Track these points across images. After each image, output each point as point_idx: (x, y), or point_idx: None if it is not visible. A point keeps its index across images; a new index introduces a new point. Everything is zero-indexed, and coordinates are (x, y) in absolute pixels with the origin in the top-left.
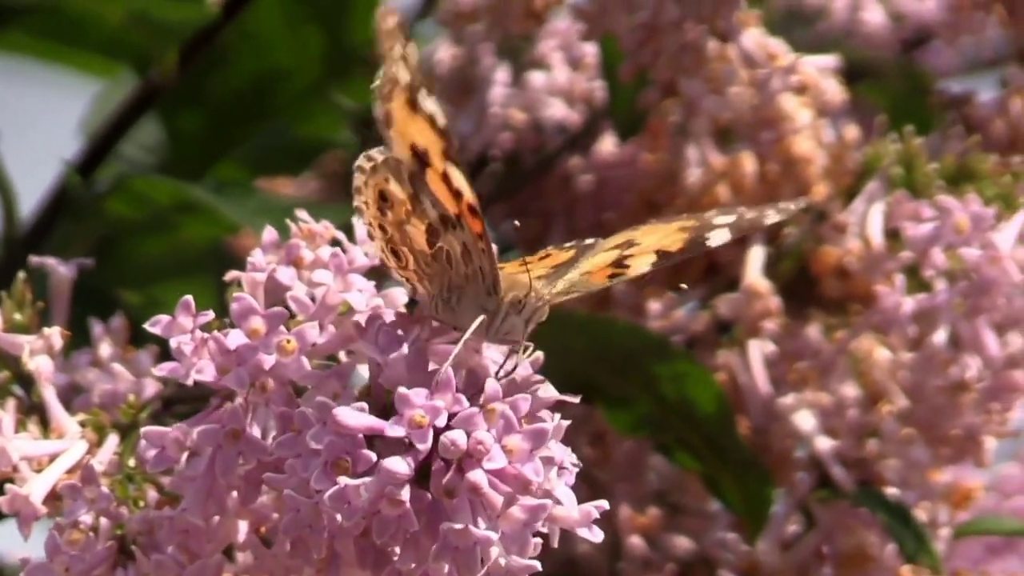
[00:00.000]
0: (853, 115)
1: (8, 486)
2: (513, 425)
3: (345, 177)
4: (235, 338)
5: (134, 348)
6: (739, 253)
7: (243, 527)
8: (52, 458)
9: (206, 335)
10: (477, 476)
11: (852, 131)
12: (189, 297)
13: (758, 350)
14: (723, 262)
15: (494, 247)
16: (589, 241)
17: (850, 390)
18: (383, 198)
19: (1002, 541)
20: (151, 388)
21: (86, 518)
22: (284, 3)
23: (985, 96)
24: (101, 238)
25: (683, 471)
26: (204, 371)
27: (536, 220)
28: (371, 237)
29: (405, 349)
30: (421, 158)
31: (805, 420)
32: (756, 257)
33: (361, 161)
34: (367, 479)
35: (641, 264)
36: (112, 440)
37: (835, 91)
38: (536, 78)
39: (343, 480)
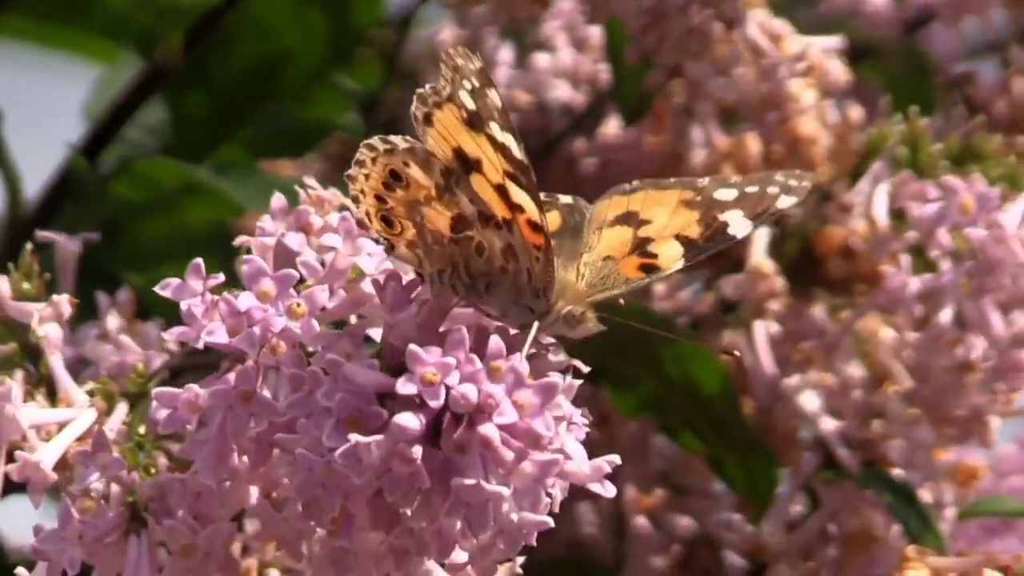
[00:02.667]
0: (855, 95)
1: (18, 453)
2: (523, 380)
3: (348, 159)
4: (245, 300)
5: (140, 321)
6: None
7: (254, 492)
8: (61, 426)
9: (216, 297)
10: (488, 430)
11: (856, 112)
12: (199, 260)
13: (763, 331)
14: None
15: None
16: (566, 200)
17: (855, 370)
18: (395, 176)
19: (1000, 521)
20: (158, 360)
21: (97, 485)
22: None
23: (987, 77)
24: (106, 220)
25: (687, 452)
26: (215, 333)
27: None
28: (355, 201)
29: (415, 308)
30: (467, 163)
31: (810, 401)
32: (760, 237)
33: (375, 141)
34: (378, 436)
35: (671, 256)
36: (121, 408)
37: (839, 72)
38: (541, 59)
39: (354, 437)
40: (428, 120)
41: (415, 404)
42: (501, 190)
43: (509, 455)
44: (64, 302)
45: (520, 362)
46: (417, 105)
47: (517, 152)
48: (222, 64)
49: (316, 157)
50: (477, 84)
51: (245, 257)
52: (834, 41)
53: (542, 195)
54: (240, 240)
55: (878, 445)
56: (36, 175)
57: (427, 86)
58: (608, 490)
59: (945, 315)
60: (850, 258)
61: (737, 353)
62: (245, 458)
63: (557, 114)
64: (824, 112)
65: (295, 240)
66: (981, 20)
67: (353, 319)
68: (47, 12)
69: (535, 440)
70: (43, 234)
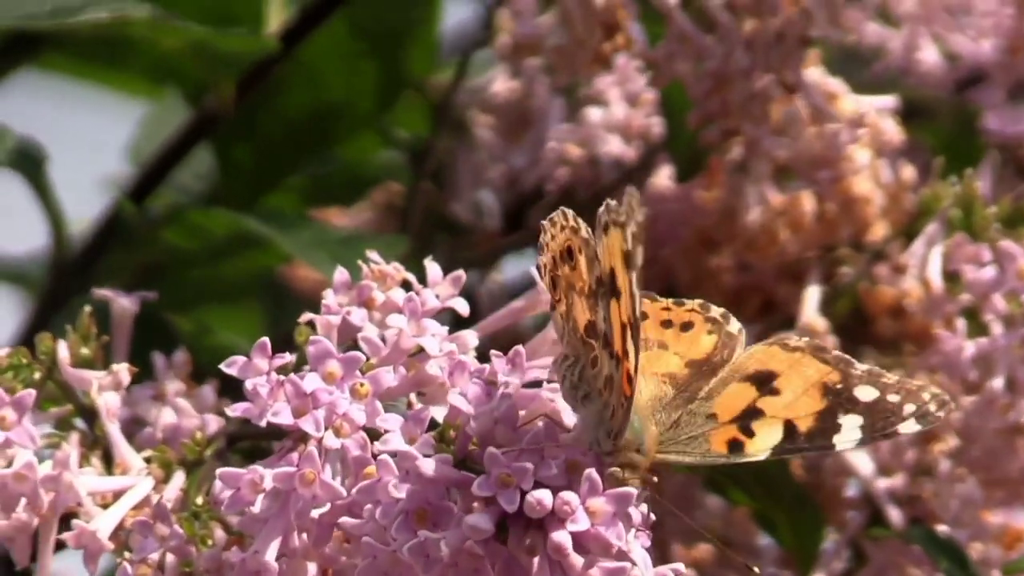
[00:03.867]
0: (907, 154)
1: (75, 521)
2: (598, 487)
3: (397, 209)
4: (312, 382)
5: (196, 383)
6: (796, 291)
7: (312, 569)
8: (117, 494)
9: (282, 378)
10: (562, 537)
11: (909, 171)
12: (265, 340)
13: None
14: (780, 300)
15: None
16: (732, 329)
17: None
18: (569, 255)
19: None
20: (214, 424)
21: (154, 555)
22: (341, 38)
23: None
24: (150, 263)
25: (731, 507)
26: (280, 413)
27: None
28: (540, 251)
29: (496, 403)
30: (615, 288)
31: (859, 459)
32: (813, 295)
33: (566, 212)
34: (447, 532)
35: (763, 444)
36: (179, 477)
37: (893, 132)
38: (593, 114)
39: (423, 533)
40: (605, 230)
41: (485, 502)
42: (623, 331)
43: (579, 562)
44: (124, 371)
45: (595, 470)
46: (603, 212)
47: (637, 308)
48: (271, 112)
49: (365, 206)
50: (636, 231)
51: (312, 338)
52: (888, 100)
53: (719, 312)
54: (305, 318)
55: (925, 503)
56: (75, 211)
57: (613, 202)
58: None
59: (998, 380)
60: (900, 318)
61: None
62: (304, 536)
63: (608, 167)
64: (878, 171)
65: (357, 316)
66: None
67: (413, 397)
68: (92, 51)
69: (605, 548)
70: (100, 292)
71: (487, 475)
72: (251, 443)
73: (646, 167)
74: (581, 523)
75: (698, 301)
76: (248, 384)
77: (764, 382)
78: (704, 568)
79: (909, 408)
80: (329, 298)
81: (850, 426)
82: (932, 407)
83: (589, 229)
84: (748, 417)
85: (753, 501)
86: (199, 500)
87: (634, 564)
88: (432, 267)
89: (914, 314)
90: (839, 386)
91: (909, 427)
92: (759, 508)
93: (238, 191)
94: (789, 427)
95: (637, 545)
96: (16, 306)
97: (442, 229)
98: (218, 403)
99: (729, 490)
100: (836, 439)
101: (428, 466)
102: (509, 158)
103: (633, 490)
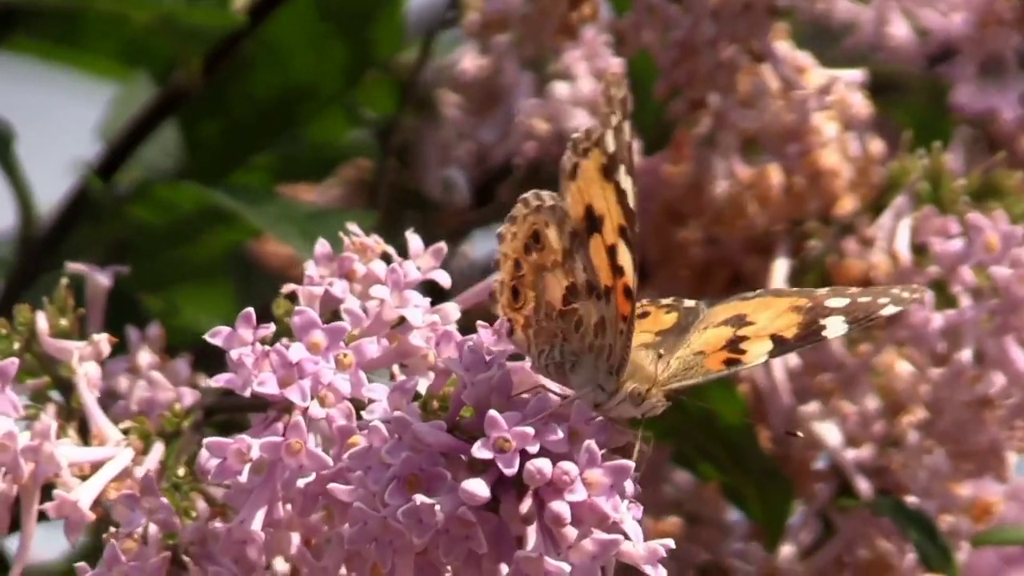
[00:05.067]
0: (877, 129)
1: (56, 491)
2: (596, 458)
3: (365, 185)
4: (297, 351)
5: (169, 356)
6: (764, 264)
7: (295, 539)
8: (95, 465)
9: (267, 348)
10: (561, 508)
11: (878, 145)
12: (250, 310)
13: (780, 362)
14: (747, 273)
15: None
16: (689, 303)
17: (872, 402)
18: (536, 238)
19: (1018, 551)
20: (189, 397)
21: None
22: (308, 18)
23: (1009, 111)
24: (119, 240)
25: (700, 481)
26: (266, 383)
27: None
28: (497, 267)
29: (493, 371)
30: (593, 222)
31: (827, 430)
32: (780, 269)
33: (529, 196)
34: (442, 497)
35: (758, 352)
36: (158, 448)
37: (862, 105)
38: (561, 89)
39: (418, 498)
40: (573, 173)
41: (478, 467)
42: (612, 252)
43: (574, 532)
44: (104, 341)
45: (594, 440)
46: (568, 155)
47: (631, 200)
48: (239, 91)
49: (334, 182)
50: (620, 116)
51: (296, 308)
52: (857, 74)
53: (669, 299)
54: (288, 288)
55: (894, 474)
56: (47, 193)
57: (580, 131)
58: (660, 572)
59: (967, 353)
60: None
61: None
62: (289, 506)
63: None
64: (846, 145)
65: (339, 287)
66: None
67: (396, 369)
68: (61, 32)
69: (601, 520)
70: (73, 266)
71: (486, 438)
72: (227, 416)
73: None
74: (579, 494)
75: (647, 299)
76: (233, 354)
77: (737, 321)
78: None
79: (883, 299)
80: (311, 269)
81: (833, 323)
82: (905, 294)
83: (552, 195)
84: (734, 343)
85: (722, 474)
86: (179, 472)
87: (627, 537)
88: (413, 239)
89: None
90: (810, 305)
91: (889, 310)
92: (728, 481)
93: (205, 168)
94: (776, 339)
95: (630, 517)
96: None
97: (411, 205)
98: (192, 376)
99: (698, 464)
100: (825, 332)
101: (425, 432)
102: (477, 134)
103: (630, 463)
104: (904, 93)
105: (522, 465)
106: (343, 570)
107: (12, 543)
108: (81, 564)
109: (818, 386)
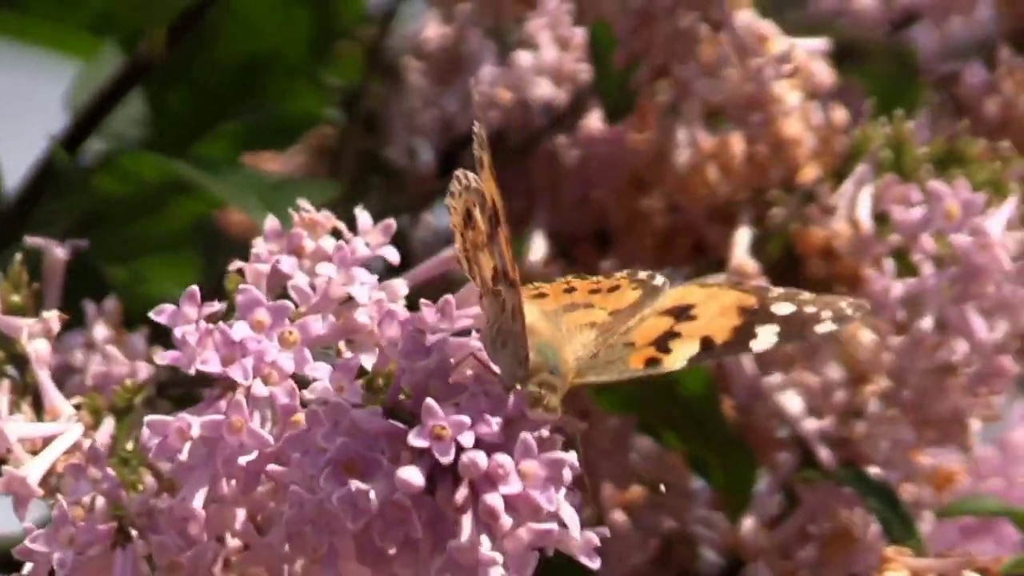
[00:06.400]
0: (840, 96)
1: (4, 467)
2: (532, 450)
3: (330, 153)
4: (240, 330)
5: (126, 330)
6: (727, 233)
7: (240, 515)
8: (47, 440)
9: (211, 326)
10: (495, 501)
11: (840, 113)
12: (195, 288)
13: None
14: (710, 242)
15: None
16: (657, 281)
17: (835, 372)
18: (469, 217)
19: (977, 523)
20: (144, 371)
21: (86, 498)
22: None
23: (975, 77)
24: (86, 213)
25: (664, 450)
26: (209, 362)
27: (521, 198)
28: (453, 240)
29: (432, 357)
30: (496, 213)
31: (790, 400)
32: (743, 237)
33: (459, 174)
34: (376, 484)
35: (680, 356)
36: (108, 423)
37: (824, 74)
38: (523, 58)
39: (354, 484)
40: (480, 165)
41: (413, 452)
42: (509, 243)
43: (508, 523)
44: (54, 319)
45: (532, 433)
46: (475, 146)
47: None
48: (205, 60)
49: (299, 150)
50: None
51: (240, 286)
52: (819, 43)
53: (644, 274)
54: (234, 265)
55: (857, 444)
56: (16, 169)
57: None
58: (594, 562)
59: (927, 320)
60: (831, 259)
61: None
62: (233, 482)
63: (539, 111)
64: (808, 114)
65: (287, 264)
66: (968, 20)
67: (342, 345)
68: (29, 7)
69: (535, 511)
70: (32, 239)
71: (422, 426)
72: (183, 391)
73: (577, 110)
74: (513, 486)
75: (626, 271)
76: (177, 332)
77: (681, 313)
78: (637, 510)
79: (826, 314)
80: (259, 246)
81: (765, 334)
82: (849, 311)
83: (476, 176)
84: (665, 339)
85: (686, 444)
86: (129, 446)
87: (563, 525)
88: (362, 215)
89: (844, 255)
90: (756, 307)
91: (826, 327)
92: (691, 450)
93: (172, 137)
94: (706, 342)
95: (567, 505)
96: None
97: (375, 173)
98: (148, 351)
99: (662, 433)
100: (752, 344)
101: (362, 419)
102: (441, 102)
103: (567, 457)
104: (869, 59)
105: (458, 455)
106: (287, 548)
107: None
108: (29, 524)
109: (781, 356)
